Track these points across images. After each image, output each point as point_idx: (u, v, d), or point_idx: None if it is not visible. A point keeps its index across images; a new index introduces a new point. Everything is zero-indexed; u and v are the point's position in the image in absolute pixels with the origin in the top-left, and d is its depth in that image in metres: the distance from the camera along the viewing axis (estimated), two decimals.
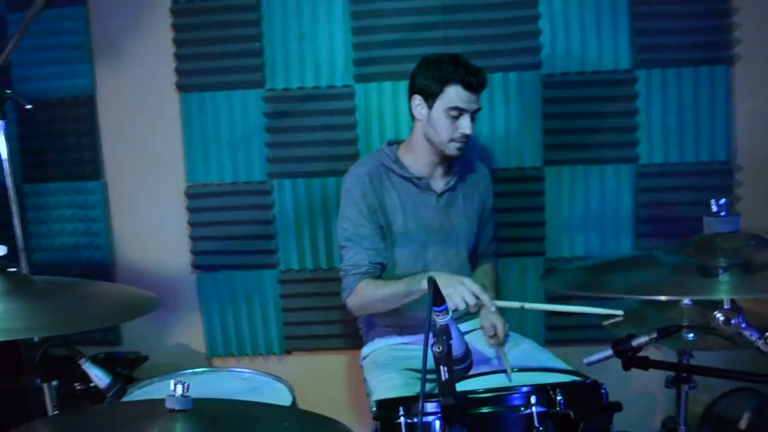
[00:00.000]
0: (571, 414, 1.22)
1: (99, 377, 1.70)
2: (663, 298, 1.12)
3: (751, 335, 1.20)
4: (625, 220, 2.67)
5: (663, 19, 2.58)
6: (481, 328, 2.21)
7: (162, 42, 2.76)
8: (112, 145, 2.87)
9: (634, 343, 1.43)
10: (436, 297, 1.29)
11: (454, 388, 1.21)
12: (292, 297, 2.82)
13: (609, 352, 1.48)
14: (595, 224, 2.69)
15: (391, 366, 2.10)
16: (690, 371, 1.48)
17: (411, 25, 2.67)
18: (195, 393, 1.69)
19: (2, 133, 1.89)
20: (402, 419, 1.25)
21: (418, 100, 2.15)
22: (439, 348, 1.22)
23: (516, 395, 1.28)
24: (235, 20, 2.71)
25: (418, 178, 2.20)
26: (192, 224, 2.83)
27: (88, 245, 2.88)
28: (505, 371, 1.87)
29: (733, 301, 1.22)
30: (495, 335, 2.13)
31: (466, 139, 2.14)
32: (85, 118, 2.83)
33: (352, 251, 2.16)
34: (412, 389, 1.93)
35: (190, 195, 2.81)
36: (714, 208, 1.32)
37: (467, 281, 1.88)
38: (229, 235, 2.82)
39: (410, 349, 2.20)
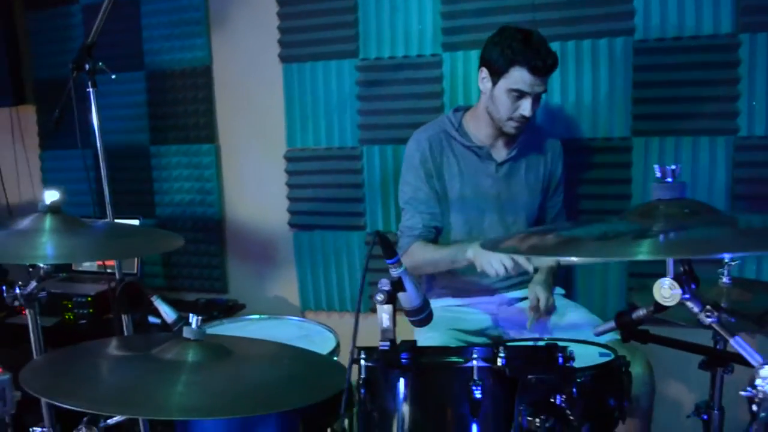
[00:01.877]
0: (507, 371, 1.24)
1: (167, 313, 1.91)
2: (575, 259, 1.10)
3: (693, 306, 1.15)
4: (719, 197, 2.51)
5: None
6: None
7: (268, 16, 2.97)
8: (224, 112, 3.15)
9: (634, 315, 1.41)
10: (387, 249, 1.36)
11: (393, 333, 1.29)
12: (377, 258, 2.94)
13: (613, 323, 1.46)
14: None
15: (437, 325, 2.15)
16: (686, 349, 1.41)
17: None
18: (250, 334, 1.90)
19: (93, 101, 2.14)
20: (362, 362, 1.33)
21: (484, 73, 2.17)
22: (380, 297, 1.29)
23: (462, 349, 1.32)
24: None
25: (479, 147, 2.23)
26: (290, 186, 3.04)
27: (201, 202, 3.20)
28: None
29: (686, 272, 1.18)
30: (537, 306, 2.13)
31: (525, 120, 2.13)
32: (202, 86, 3.14)
33: (408, 213, 2.25)
34: None
35: (288, 158, 3.03)
36: (658, 174, 1.27)
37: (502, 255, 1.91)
38: (322, 197, 3.00)
39: (461, 311, 2.25)
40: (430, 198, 2.23)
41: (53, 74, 3.34)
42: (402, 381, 1.32)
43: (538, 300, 2.14)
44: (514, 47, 2.07)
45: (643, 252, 1.11)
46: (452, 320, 2.21)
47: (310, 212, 3.03)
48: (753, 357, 1.08)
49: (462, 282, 2.25)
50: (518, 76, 2.07)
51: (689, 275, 1.18)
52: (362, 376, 1.33)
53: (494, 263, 1.91)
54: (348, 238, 2.97)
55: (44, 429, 1.76)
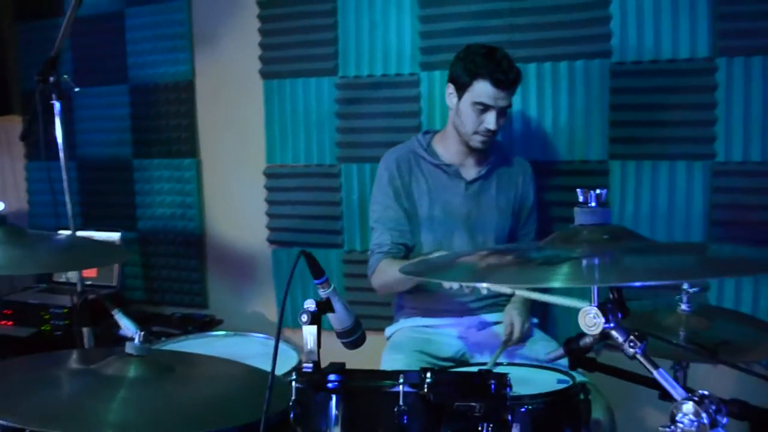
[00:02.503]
0: (431, 396, 1.21)
1: (127, 327, 1.91)
2: (485, 285, 1.07)
3: (618, 336, 1.12)
4: (696, 223, 2.47)
5: (747, 1, 2.34)
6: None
7: (250, 32, 2.98)
8: (206, 127, 3.16)
9: (581, 342, 1.38)
10: (314, 269, 1.34)
11: (316, 355, 1.27)
12: (355, 277, 2.93)
13: (562, 350, 1.44)
14: (662, 226, 2.51)
15: (403, 346, 2.16)
16: (634, 380, 1.37)
17: (477, 12, 2.65)
18: (212, 351, 1.88)
19: (58, 114, 2.15)
20: (294, 384, 1.32)
21: (450, 89, 2.17)
22: (305, 318, 1.28)
23: (390, 373, 1.30)
24: (312, 11, 2.86)
25: (447, 165, 2.22)
26: (269, 202, 3.04)
27: (182, 216, 3.21)
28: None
29: (614, 300, 1.15)
30: (510, 333, 2.09)
31: (490, 134, 2.13)
32: (184, 101, 3.15)
33: (378, 231, 2.24)
34: None
35: (268, 175, 3.02)
36: (581, 199, 1.25)
37: None
38: (301, 214, 2.99)
39: (429, 332, 2.23)
40: (400, 216, 2.23)
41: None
42: (332, 403, 1.30)
43: (512, 326, 2.11)
44: (477, 61, 2.09)
45: (558, 279, 1.08)
46: (419, 342, 2.19)
47: (289, 229, 3.03)
48: (676, 390, 1.05)
49: (432, 301, 2.23)
50: (481, 89, 2.08)
51: (616, 303, 1.15)
52: (293, 397, 1.31)
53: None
54: (326, 255, 2.95)
55: None
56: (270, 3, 2.93)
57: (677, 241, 2.48)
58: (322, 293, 1.39)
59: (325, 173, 2.92)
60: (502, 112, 2.12)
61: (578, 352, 1.41)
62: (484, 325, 2.25)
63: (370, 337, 2.86)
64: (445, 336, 2.22)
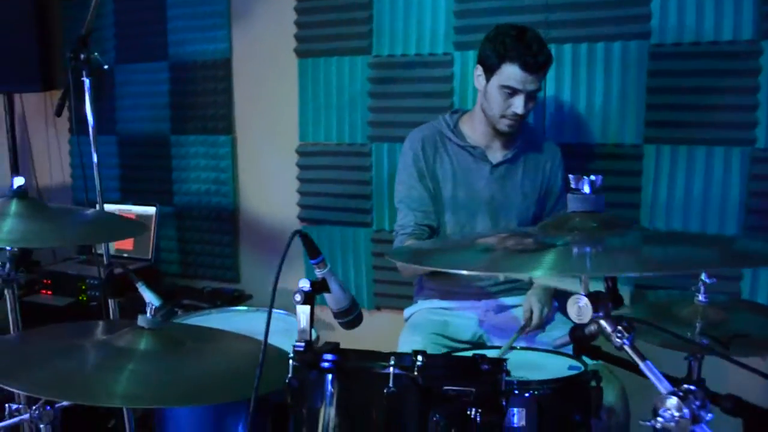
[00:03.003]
0: (420, 379, 1.21)
1: (151, 300, 1.92)
2: (464, 272, 1.05)
3: (607, 327, 1.09)
4: (731, 210, 2.39)
5: None
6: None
7: (286, 10, 2.99)
8: (242, 104, 3.19)
9: (587, 330, 1.36)
10: (310, 249, 1.34)
11: (309, 334, 1.27)
12: (382, 256, 2.93)
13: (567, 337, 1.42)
14: (697, 212, 2.44)
15: (421, 328, 2.15)
16: (631, 369, 1.33)
17: None
18: (231, 326, 1.91)
19: (87, 91, 2.19)
20: (290, 362, 1.32)
21: (479, 70, 2.13)
22: (298, 297, 1.29)
23: (383, 355, 1.29)
24: None
25: (473, 147, 2.19)
26: (301, 180, 3.06)
27: (216, 192, 3.25)
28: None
29: (607, 289, 1.12)
30: (529, 319, 2.07)
31: (518, 117, 2.08)
32: (221, 78, 3.18)
33: (402, 212, 2.23)
34: None
35: (300, 153, 3.04)
36: (573, 185, 1.21)
37: None
38: (331, 192, 3.00)
39: (447, 314, 2.22)
40: (423, 197, 2.21)
41: None
42: (327, 382, 1.31)
43: (531, 312, 2.08)
44: (506, 43, 2.03)
45: (542, 268, 1.06)
46: (437, 324, 2.18)
47: (319, 207, 3.04)
48: (662, 384, 1.02)
49: (451, 284, 2.22)
50: (510, 73, 2.03)
51: (609, 293, 1.12)
52: (289, 374, 1.32)
53: None
54: (355, 234, 2.97)
55: (18, 406, 1.81)
56: None
57: (710, 230, 2.41)
58: (319, 273, 1.40)
59: (356, 152, 2.93)
60: (531, 96, 2.08)
61: (583, 339, 1.38)
62: (503, 309, 2.23)
63: (392, 317, 2.91)
64: (463, 318, 2.20)
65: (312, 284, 1.32)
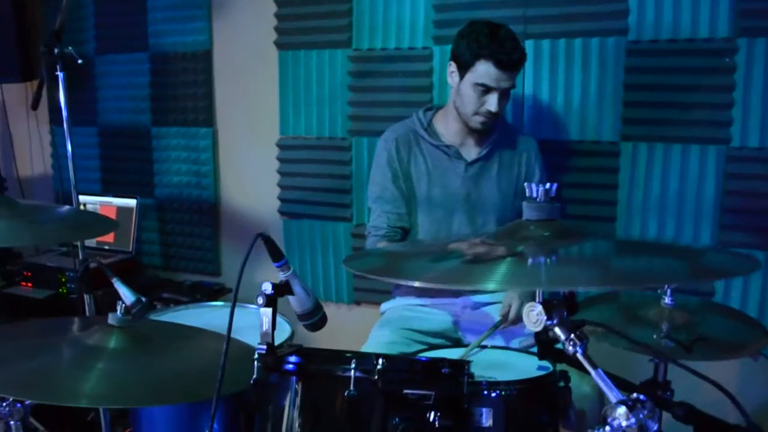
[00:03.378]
0: (380, 383, 1.22)
1: (126, 295, 1.91)
2: (416, 283, 1.05)
3: (560, 334, 1.10)
4: (707, 209, 2.40)
5: None
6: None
7: (267, 2, 2.97)
8: (222, 97, 3.18)
9: (551, 333, 1.37)
10: (274, 253, 1.35)
11: (271, 337, 1.28)
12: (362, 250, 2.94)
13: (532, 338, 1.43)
14: (672, 210, 2.45)
15: (393, 323, 2.16)
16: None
17: None
18: (204, 323, 1.91)
19: (62, 84, 2.18)
20: (255, 363, 1.33)
21: (452, 67, 2.13)
22: (260, 300, 1.29)
23: (345, 357, 1.30)
24: None
25: (447, 146, 2.19)
26: (281, 173, 3.06)
27: (197, 184, 3.25)
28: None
29: (565, 296, 1.13)
30: (506, 315, 2.07)
31: (492, 115, 2.08)
32: (202, 70, 3.17)
33: (375, 213, 2.23)
34: (396, 348, 1.99)
35: (281, 146, 3.04)
36: (527, 193, 1.22)
37: None
38: (311, 186, 3.00)
39: (422, 311, 2.22)
40: (397, 198, 2.21)
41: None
42: (291, 383, 1.31)
43: (509, 306, 2.09)
44: (480, 40, 2.03)
45: (494, 281, 1.06)
46: (410, 320, 2.19)
47: (299, 201, 3.04)
48: (612, 392, 1.04)
49: None
50: (483, 71, 2.03)
51: (565, 300, 1.13)
52: (254, 376, 1.33)
53: None
54: (335, 228, 2.97)
55: None
56: None
57: (685, 228, 2.43)
58: (282, 276, 1.40)
59: (336, 146, 2.92)
60: (505, 94, 2.08)
61: (547, 342, 1.40)
62: (477, 306, 2.23)
63: (369, 312, 2.92)
64: (437, 314, 2.21)
65: (274, 287, 1.32)
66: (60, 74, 2.16)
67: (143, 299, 1.95)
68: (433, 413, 1.20)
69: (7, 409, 1.58)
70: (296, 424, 1.28)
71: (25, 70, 3.20)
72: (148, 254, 3.39)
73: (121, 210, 3.20)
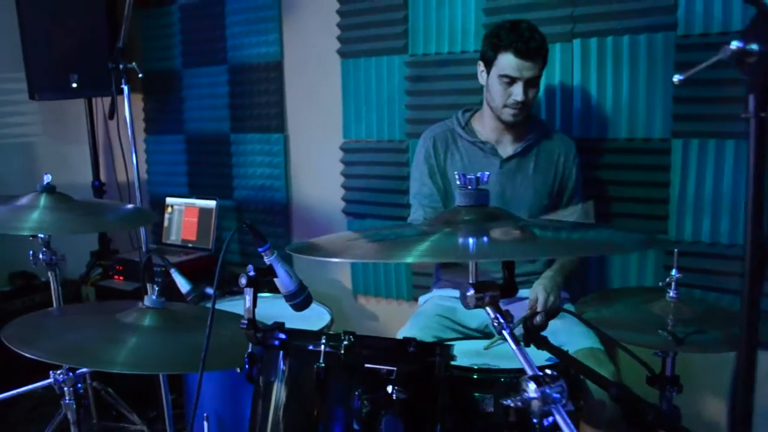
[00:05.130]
0: (344, 357, 1.31)
1: (181, 285, 2.11)
2: (336, 259, 1.12)
3: (490, 313, 1.15)
4: (765, 205, 2.30)
5: None
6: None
7: (330, 14, 3.14)
8: (292, 104, 3.38)
9: (535, 321, 1.43)
10: (258, 239, 1.46)
11: (252, 313, 1.40)
12: None
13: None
14: (726, 207, 2.37)
15: (428, 312, 2.24)
16: (567, 362, 1.36)
17: None
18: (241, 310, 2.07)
19: (126, 97, 2.42)
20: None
21: (481, 67, 2.20)
22: (243, 281, 1.41)
23: (317, 334, 1.41)
24: None
25: (483, 143, 2.25)
26: (345, 175, 3.21)
27: (270, 187, 3.46)
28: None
29: (504, 277, 1.18)
30: (534, 307, 2.10)
31: (521, 105, 2.13)
32: (274, 80, 3.38)
33: (414, 208, 2.33)
34: (429, 333, 2.07)
35: (344, 149, 3.19)
36: (458, 182, 1.27)
37: None
38: (372, 187, 3.13)
39: (457, 302, 2.26)
40: (434, 193, 2.29)
41: (157, 66, 3.76)
42: (279, 358, 1.44)
43: (536, 300, 2.13)
44: (500, 35, 2.12)
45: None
46: (445, 309, 2.25)
47: (361, 201, 3.18)
48: (530, 368, 1.10)
49: (465, 275, 2.28)
50: (505, 62, 2.10)
51: (506, 282, 1.19)
52: (248, 350, 1.47)
53: None
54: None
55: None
56: None
57: (740, 226, 2.34)
58: (266, 260, 1.52)
59: (394, 148, 3.04)
60: (531, 84, 2.12)
61: (533, 329, 1.45)
62: (516, 300, 2.26)
63: (410, 306, 3.00)
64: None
65: (257, 270, 1.45)
66: (125, 87, 2.40)
67: (199, 288, 2.15)
68: (393, 387, 1.29)
69: (61, 377, 1.82)
70: (282, 394, 1.41)
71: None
72: (230, 252, 3.64)
73: (202, 211, 3.47)
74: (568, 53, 2.59)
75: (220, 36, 3.49)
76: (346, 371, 1.34)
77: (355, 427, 1.30)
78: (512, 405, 1.08)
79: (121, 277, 3.39)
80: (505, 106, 2.15)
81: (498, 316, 1.16)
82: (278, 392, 1.42)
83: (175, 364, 1.59)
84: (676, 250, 1.62)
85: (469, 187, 1.28)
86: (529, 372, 1.10)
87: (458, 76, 2.84)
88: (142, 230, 2.65)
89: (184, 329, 1.70)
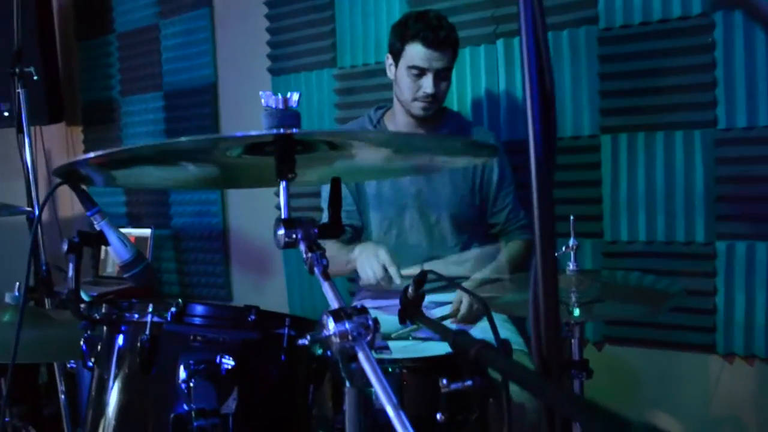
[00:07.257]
0: (171, 326, 1.22)
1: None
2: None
3: (302, 248, 1.04)
4: (698, 198, 2.18)
5: None
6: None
7: (260, 32, 3.08)
8: (228, 126, 3.29)
9: (408, 295, 1.32)
10: (85, 202, 1.33)
11: (74, 283, 1.29)
12: None
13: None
14: (660, 203, 2.25)
15: None
16: (434, 330, 1.24)
17: None
18: None
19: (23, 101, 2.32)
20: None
21: (389, 60, 2.12)
22: (65, 246, 1.28)
23: (143, 305, 1.29)
24: (311, 5, 2.91)
25: None
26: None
27: (206, 212, 3.34)
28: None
29: (331, 218, 1.08)
30: (456, 312, 1.97)
31: (430, 98, 2.03)
32: (208, 103, 3.30)
33: (325, 213, 2.20)
34: None
35: None
36: (264, 102, 1.14)
37: (382, 252, 1.82)
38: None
39: (376, 312, 2.11)
40: (346, 195, 2.17)
41: (96, 96, 3.69)
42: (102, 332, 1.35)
43: (459, 304, 1.99)
44: (407, 24, 2.04)
45: None
46: None
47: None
48: (331, 302, 1.02)
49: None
50: (413, 52, 2.01)
51: (330, 222, 1.10)
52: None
53: (366, 268, 1.83)
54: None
55: None
56: (276, 3, 3.01)
57: (678, 222, 2.21)
58: (96, 225, 1.38)
59: None
60: (441, 75, 2.03)
61: (407, 303, 1.35)
62: (436, 306, 2.12)
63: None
64: (392, 315, 2.11)
65: (82, 235, 1.31)
66: (20, 91, 2.30)
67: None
68: (221, 356, 1.17)
69: None
70: (122, 372, 1.28)
71: (53, 115, 3.45)
72: (167, 283, 3.50)
73: (138, 240, 3.33)
74: (492, 54, 2.51)
75: (157, 62, 3.43)
76: (170, 341, 1.22)
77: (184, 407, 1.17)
78: (307, 343, 0.96)
79: None
80: (414, 99, 2.04)
81: (312, 255, 1.04)
82: (108, 376, 1.29)
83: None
84: (572, 216, 1.52)
85: (275, 107, 1.13)
86: (333, 306, 0.97)
87: (386, 86, 2.74)
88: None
89: (45, 325, 1.58)
